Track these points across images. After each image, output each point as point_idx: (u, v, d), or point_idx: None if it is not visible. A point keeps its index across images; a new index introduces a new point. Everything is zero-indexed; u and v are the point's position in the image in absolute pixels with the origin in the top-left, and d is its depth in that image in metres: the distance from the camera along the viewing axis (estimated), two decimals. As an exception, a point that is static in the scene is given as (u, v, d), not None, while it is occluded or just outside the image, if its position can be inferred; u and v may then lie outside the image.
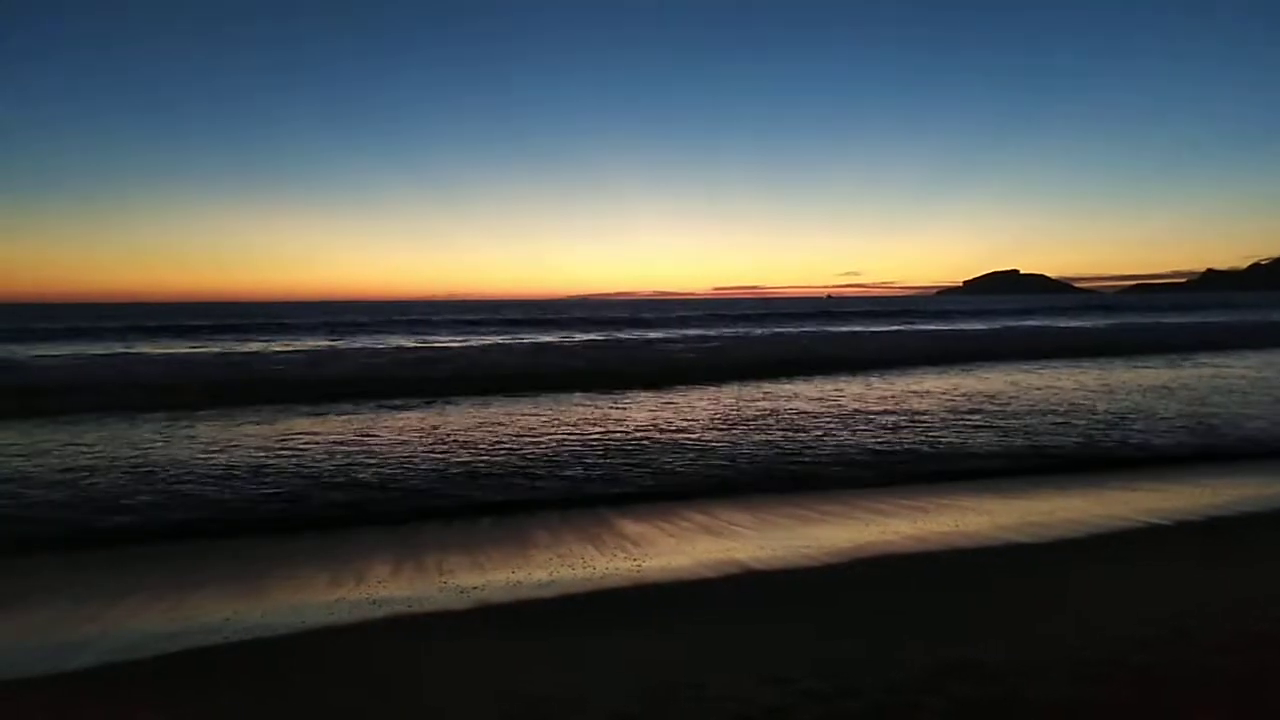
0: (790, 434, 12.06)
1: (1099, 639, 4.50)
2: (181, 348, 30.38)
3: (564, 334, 40.37)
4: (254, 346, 30.77)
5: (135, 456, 10.62)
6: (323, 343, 33.10)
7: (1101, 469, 9.93)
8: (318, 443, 11.55)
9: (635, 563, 6.45)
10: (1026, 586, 5.65)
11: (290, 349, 29.22)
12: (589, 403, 16.03)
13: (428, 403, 15.95)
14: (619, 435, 12.08)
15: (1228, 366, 22.05)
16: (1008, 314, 62.12)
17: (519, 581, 6.05)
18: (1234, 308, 72.13)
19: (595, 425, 13.07)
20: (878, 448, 11.01)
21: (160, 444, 11.56)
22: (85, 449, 11.19)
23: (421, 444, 11.40)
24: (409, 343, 33.61)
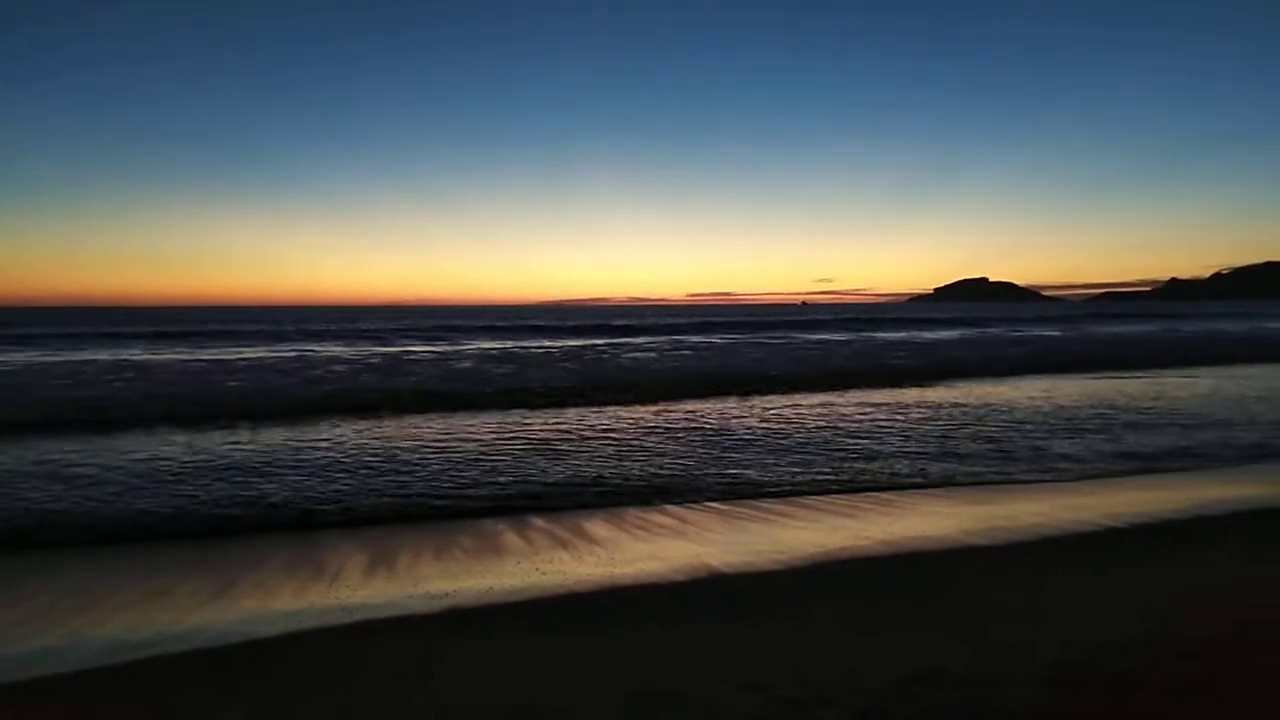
0: (759, 443, 12.19)
1: (1067, 644, 4.54)
2: (144, 354, 29.96)
3: (535, 341, 40.29)
4: (217, 354, 30.10)
5: (96, 463, 10.48)
6: (290, 349, 32.57)
7: (1057, 473, 10.09)
8: (284, 450, 11.47)
9: (607, 568, 6.48)
10: (994, 591, 5.72)
11: (256, 356, 28.84)
12: (559, 413, 16.02)
13: (397, 414, 15.85)
14: (587, 442, 12.14)
15: (1176, 377, 22.49)
16: (972, 323, 62.32)
17: (490, 587, 6.05)
18: (1196, 318, 73.22)
19: (562, 434, 13.11)
20: (844, 454, 11.16)
21: (121, 451, 11.40)
22: (41, 457, 11.02)
23: (390, 453, 11.36)
24: (377, 349, 33.23)
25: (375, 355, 28.46)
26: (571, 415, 15.09)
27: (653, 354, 29.75)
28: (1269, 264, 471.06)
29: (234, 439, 12.35)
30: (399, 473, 9.86)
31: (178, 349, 32.24)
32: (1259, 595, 5.41)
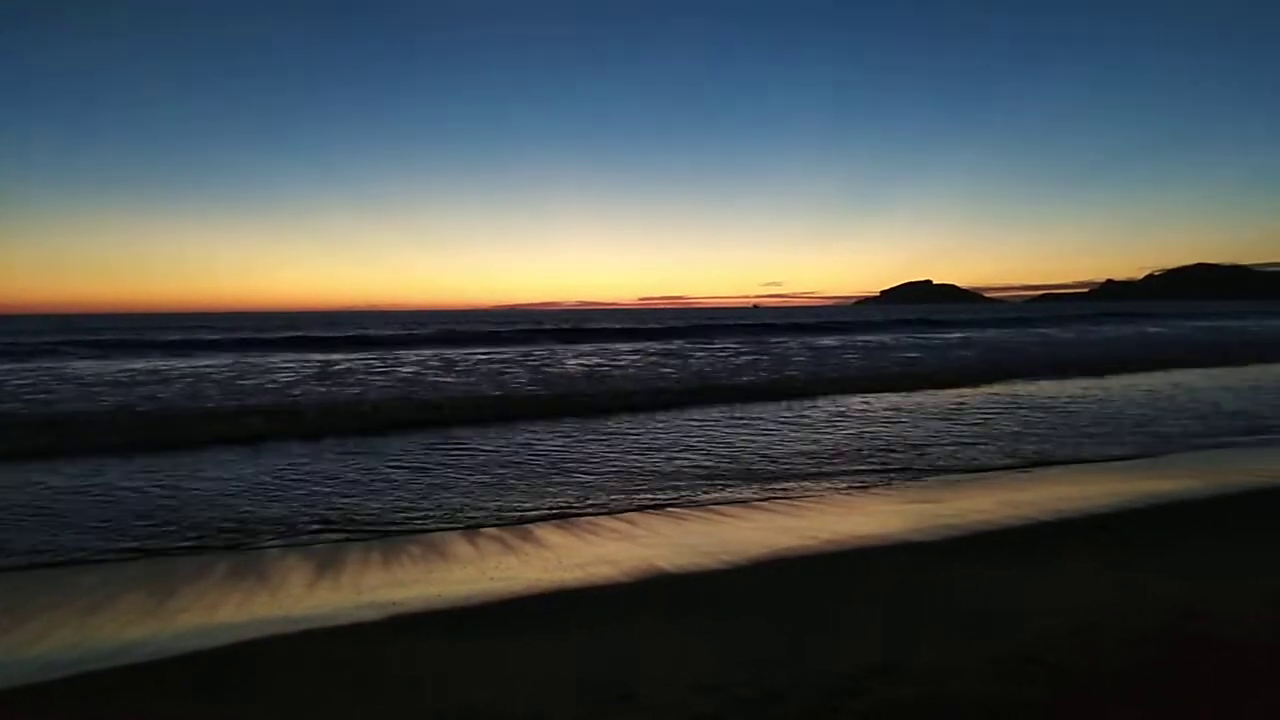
0: (711, 448, 12.28)
1: (1012, 636, 4.62)
2: (80, 364, 29.02)
3: (488, 349, 39.91)
4: (148, 364, 28.85)
5: (30, 484, 10.14)
6: (227, 359, 31.42)
7: (1000, 471, 10.36)
8: (228, 465, 11.30)
9: (557, 573, 6.47)
10: (940, 586, 5.82)
11: (193, 366, 27.94)
12: (514, 428, 15.96)
13: (358, 429, 15.64)
14: (541, 455, 12.17)
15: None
16: (916, 326, 63.14)
17: (439, 594, 6.00)
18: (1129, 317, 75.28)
19: (517, 447, 13.07)
20: (794, 453, 11.29)
21: (63, 471, 11.05)
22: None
23: (341, 467, 11.21)
24: (316, 356, 32.29)
25: (312, 364, 27.68)
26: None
27: (597, 359, 29.71)
28: (1199, 265, 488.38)
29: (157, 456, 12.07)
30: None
31: (114, 359, 31.21)
32: (1190, 587, 5.57)
